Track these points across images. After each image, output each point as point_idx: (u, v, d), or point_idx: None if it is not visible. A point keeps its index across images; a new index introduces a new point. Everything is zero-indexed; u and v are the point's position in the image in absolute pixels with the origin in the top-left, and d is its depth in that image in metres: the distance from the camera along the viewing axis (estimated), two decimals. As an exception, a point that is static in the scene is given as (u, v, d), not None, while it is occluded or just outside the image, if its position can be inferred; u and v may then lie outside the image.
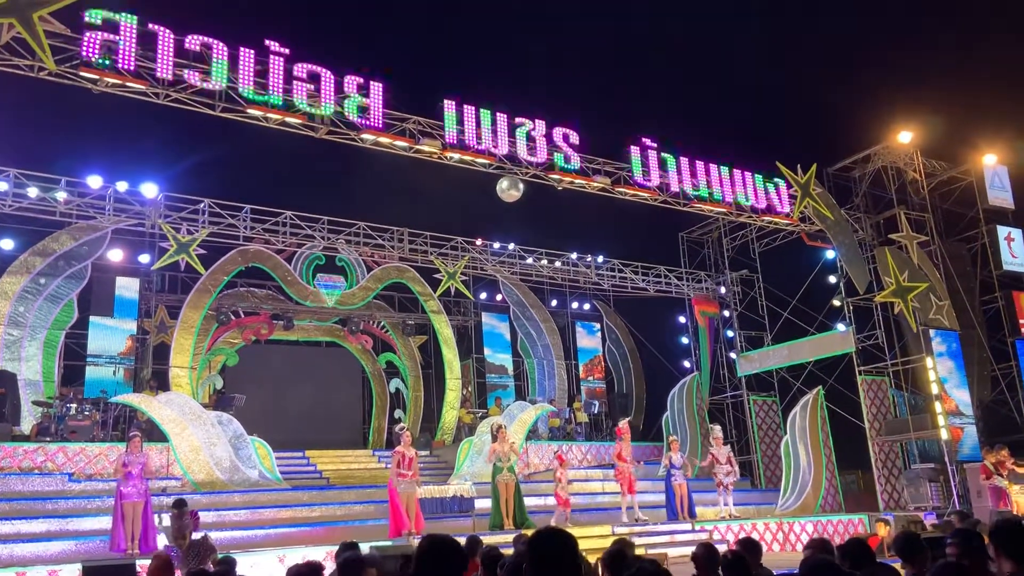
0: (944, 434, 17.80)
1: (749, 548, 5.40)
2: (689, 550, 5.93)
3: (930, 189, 20.57)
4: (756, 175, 18.71)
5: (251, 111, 13.27)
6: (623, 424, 15.89)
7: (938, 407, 17.93)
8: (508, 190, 15.83)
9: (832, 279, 20.70)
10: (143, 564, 9.62)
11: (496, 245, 21.81)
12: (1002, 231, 20.75)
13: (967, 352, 19.57)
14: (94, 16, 11.80)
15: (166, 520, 9.61)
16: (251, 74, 13.08)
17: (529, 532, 10.86)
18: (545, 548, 2.69)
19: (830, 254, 20.40)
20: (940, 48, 25.47)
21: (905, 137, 19.70)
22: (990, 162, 20.73)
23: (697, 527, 14.65)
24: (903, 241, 19.20)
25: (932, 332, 18.70)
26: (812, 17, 30.75)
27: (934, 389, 18.13)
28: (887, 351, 19.47)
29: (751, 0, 31.29)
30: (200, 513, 11.23)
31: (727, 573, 4.69)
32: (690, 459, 19.64)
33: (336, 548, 5.51)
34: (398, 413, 21.20)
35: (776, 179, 18.98)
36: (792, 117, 27.43)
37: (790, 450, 18.72)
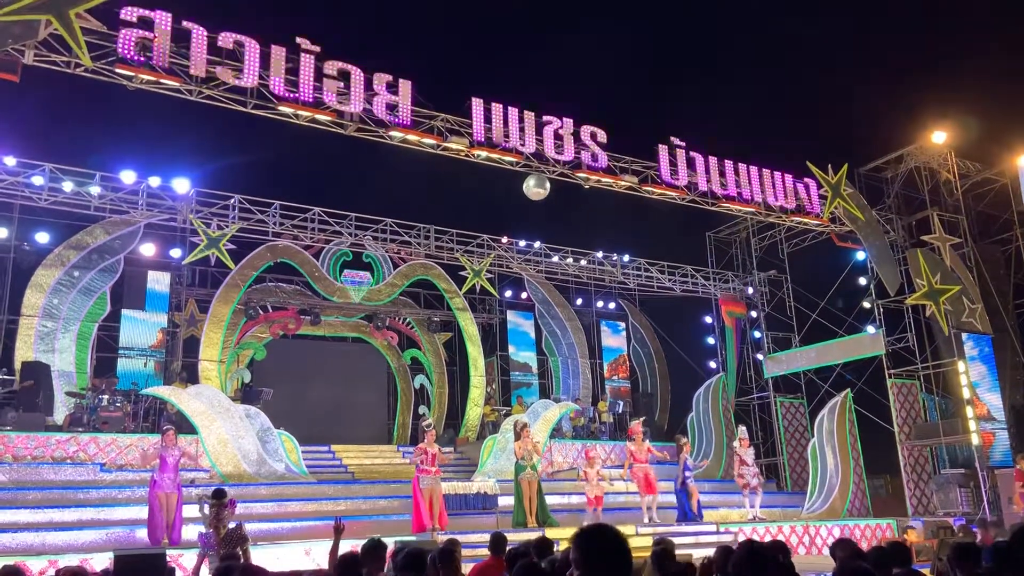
0: (975, 439, 17.53)
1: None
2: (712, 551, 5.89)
3: (964, 190, 20.22)
4: (786, 175, 18.52)
5: (282, 108, 13.38)
6: (635, 425, 15.86)
7: (969, 411, 17.66)
8: (535, 188, 15.81)
9: (862, 281, 20.47)
10: (173, 555, 9.80)
11: (522, 243, 21.83)
12: (1037, 234, 20.36)
13: (999, 356, 19.23)
14: (130, 13, 11.99)
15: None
16: (282, 71, 13.20)
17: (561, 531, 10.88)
18: (594, 544, 2.61)
19: (860, 255, 20.15)
20: (975, 47, 25.04)
21: (939, 137, 19.39)
22: (1026, 163, 20.34)
23: (722, 529, 14.56)
24: (936, 243, 18.90)
25: (964, 335, 18.40)
26: (845, 16, 30.41)
27: (966, 393, 17.85)
28: (918, 354, 19.19)
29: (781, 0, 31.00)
30: (226, 506, 11.34)
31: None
32: (713, 462, 19.66)
33: (362, 542, 5.55)
34: (422, 409, 21.30)
35: (806, 179, 18.78)
36: (823, 117, 27.14)
37: (817, 453, 18.53)
